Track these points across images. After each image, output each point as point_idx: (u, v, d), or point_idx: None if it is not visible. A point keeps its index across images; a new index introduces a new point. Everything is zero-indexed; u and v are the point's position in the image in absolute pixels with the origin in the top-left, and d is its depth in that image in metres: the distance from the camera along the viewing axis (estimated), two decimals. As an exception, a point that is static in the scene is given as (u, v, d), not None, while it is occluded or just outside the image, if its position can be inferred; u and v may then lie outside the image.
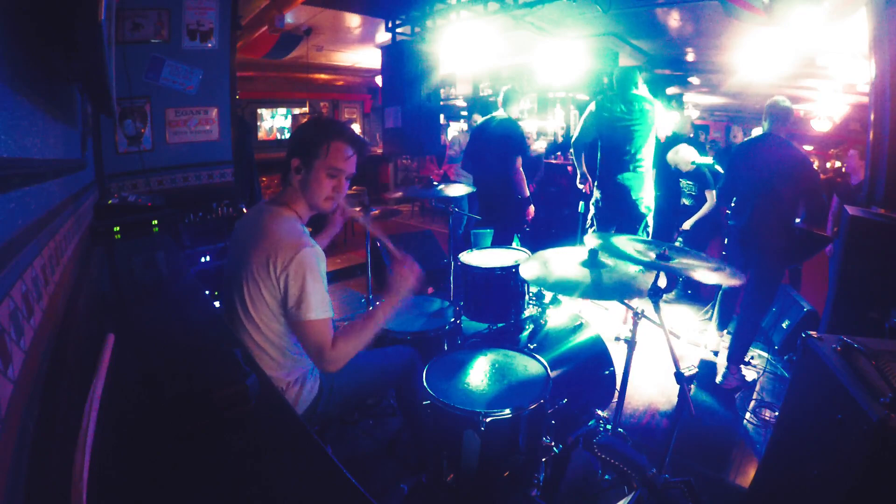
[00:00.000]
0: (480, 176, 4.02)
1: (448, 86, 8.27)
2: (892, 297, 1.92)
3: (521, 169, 3.74)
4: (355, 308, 3.74)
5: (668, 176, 4.20)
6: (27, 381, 0.72)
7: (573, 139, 3.73)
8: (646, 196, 3.45)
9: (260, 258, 1.38)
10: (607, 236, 1.80)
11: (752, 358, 3.18)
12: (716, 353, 3.17)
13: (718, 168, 4.16)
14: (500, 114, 3.85)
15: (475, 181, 4.06)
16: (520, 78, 6.77)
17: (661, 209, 3.86)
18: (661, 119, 3.43)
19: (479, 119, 4.82)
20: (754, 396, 2.84)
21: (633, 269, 1.79)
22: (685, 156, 4.01)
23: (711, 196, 4.04)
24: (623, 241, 1.75)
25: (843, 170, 6.63)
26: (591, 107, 3.56)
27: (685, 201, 4.25)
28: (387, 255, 4.11)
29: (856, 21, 2.67)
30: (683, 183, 4.20)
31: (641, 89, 3.43)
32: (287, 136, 8.16)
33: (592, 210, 3.69)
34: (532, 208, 3.92)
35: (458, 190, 2.88)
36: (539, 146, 6.96)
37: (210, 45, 3.26)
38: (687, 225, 4.12)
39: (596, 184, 3.63)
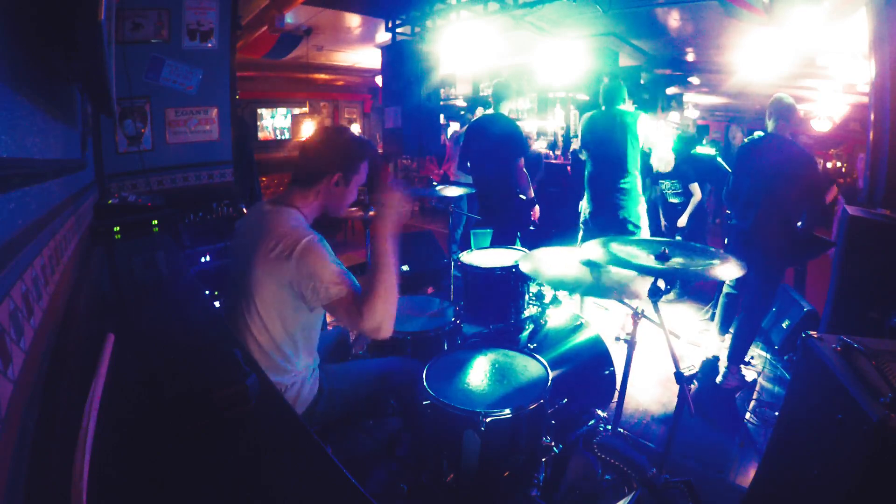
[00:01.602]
0: (480, 176, 3.97)
1: (448, 86, 8.26)
2: (892, 297, 1.92)
3: (523, 169, 3.70)
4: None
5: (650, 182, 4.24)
6: (27, 381, 0.72)
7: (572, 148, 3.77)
8: (634, 213, 3.45)
9: (265, 256, 1.39)
10: (608, 242, 1.79)
11: (752, 358, 3.18)
12: (716, 357, 3.16)
13: (721, 162, 4.16)
14: (492, 112, 3.77)
15: (475, 181, 4.04)
16: (520, 78, 6.76)
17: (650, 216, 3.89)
18: (646, 132, 3.43)
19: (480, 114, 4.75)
20: (754, 396, 2.84)
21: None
22: (662, 156, 4.02)
23: (696, 189, 4.06)
24: (621, 248, 1.74)
25: (843, 169, 6.63)
26: (583, 120, 3.65)
27: (673, 200, 4.26)
28: None
29: (856, 21, 2.67)
30: (665, 184, 4.20)
31: (627, 104, 3.48)
32: (287, 136, 8.15)
33: (582, 230, 3.71)
34: (537, 209, 3.90)
35: (456, 190, 2.88)
36: (539, 146, 6.96)
37: (210, 45, 3.26)
38: (682, 222, 4.14)
39: (586, 197, 3.66)
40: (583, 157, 3.75)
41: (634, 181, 3.43)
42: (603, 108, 3.53)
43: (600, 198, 3.51)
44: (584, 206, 3.68)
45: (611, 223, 3.46)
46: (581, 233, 3.75)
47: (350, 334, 2.55)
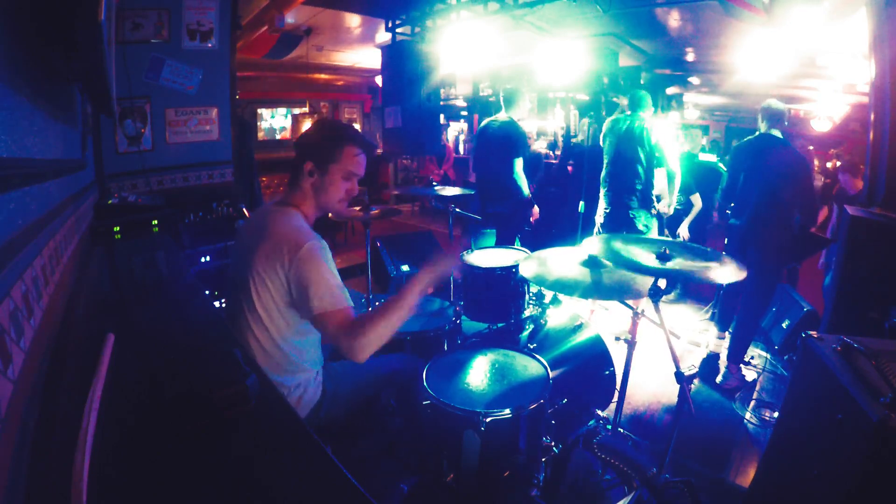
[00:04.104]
0: (483, 177, 4.03)
1: (448, 86, 8.26)
2: (892, 297, 1.92)
3: (521, 171, 3.75)
4: (356, 308, 3.75)
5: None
6: (27, 381, 0.72)
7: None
8: (644, 215, 3.59)
9: (265, 257, 1.38)
10: (609, 239, 1.79)
11: (752, 358, 3.18)
12: (717, 356, 3.16)
13: (722, 167, 4.18)
14: (501, 116, 3.85)
15: (478, 182, 4.08)
16: (520, 78, 6.76)
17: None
18: (664, 141, 3.54)
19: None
20: (754, 396, 2.84)
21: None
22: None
23: (697, 200, 4.10)
24: (622, 244, 1.74)
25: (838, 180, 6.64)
26: (606, 123, 3.79)
27: (677, 207, 4.30)
28: (386, 255, 4.12)
29: (856, 21, 2.66)
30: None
31: (647, 113, 3.62)
32: (287, 136, 8.16)
33: (599, 222, 3.81)
34: (536, 209, 3.94)
35: (455, 190, 2.90)
36: (539, 146, 6.96)
37: (210, 45, 3.26)
38: (684, 232, 4.15)
39: (602, 196, 3.78)
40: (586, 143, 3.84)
41: (645, 186, 3.56)
42: (628, 112, 3.68)
43: (615, 198, 3.65)
44: (601, 206, 3.78)
45: (622, 223, 3.59)
46: (597, 225, 3.87)
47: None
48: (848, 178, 4.04)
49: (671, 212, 3.84)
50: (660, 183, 3.72)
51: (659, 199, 3.81)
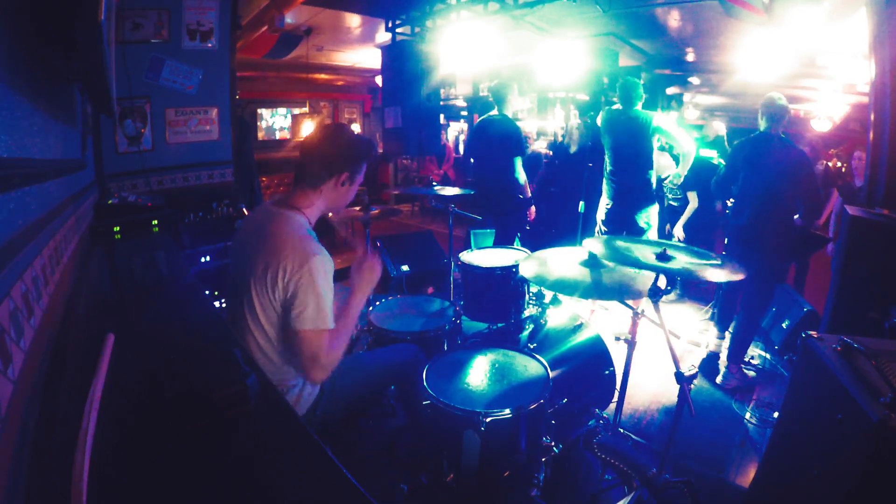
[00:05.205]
0: (481, 176, 4.02)
1: (448, 86, 8.25)
2: (892, 297, 1.91)
3: (522, 169, 3.74)
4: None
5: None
6: (27, 381, 0.72)
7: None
8: (647, 212, 3.56)
9: (269, 262, 1.38)
10: (610, 240, 1.80)
11: (752, 358, 3.18)
12: (717, 355, 3.16)
13: (722, 163, 4.17)
14: (495, 113, 3.84)
15: (475, 181, 4.07)
16: (520, 78, 6.76)
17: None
18: (668, 124, 3.49)
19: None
20: (754, 396, 2.84)
21: (633, 269, 1.79)
22: (663, 163, 4.04)
23: (693, 198, 4.09)
24: (623, 243, 1.75)
25: (843, 169, 6.61)
26: (602, 116, 3.74)
27: (673, 203, 4.28)
28: (386, 255, 4.12)
29: (856, 21, 2.66)
30: (665, 187, 4.22)
31: (640, 103, 3.57)
32: (287, 136, 8.15)
33: (600, 219, 3.78)
34: (533, 209, 3.93)
35: (455, 190, 2.90)
36: (539, 146, 6.96)
37: (210, 45, 3.26)
38: (680, 231, 4.14)
39: (605, 193, 3.75)
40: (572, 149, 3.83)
41: (649, 181, 3.53)
42: (620, 106, 3.61)
43: (618, 194, 3.62)
44: (603, 201, 3.75)
45: (625, 220, 3.56)
46: (598, 231, 3.85)
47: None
48: (864, 156, 3.98)
49: (679, 181, 3.76)
50: (661, 166, 3.68)
51: (660, 179, 3.77)
